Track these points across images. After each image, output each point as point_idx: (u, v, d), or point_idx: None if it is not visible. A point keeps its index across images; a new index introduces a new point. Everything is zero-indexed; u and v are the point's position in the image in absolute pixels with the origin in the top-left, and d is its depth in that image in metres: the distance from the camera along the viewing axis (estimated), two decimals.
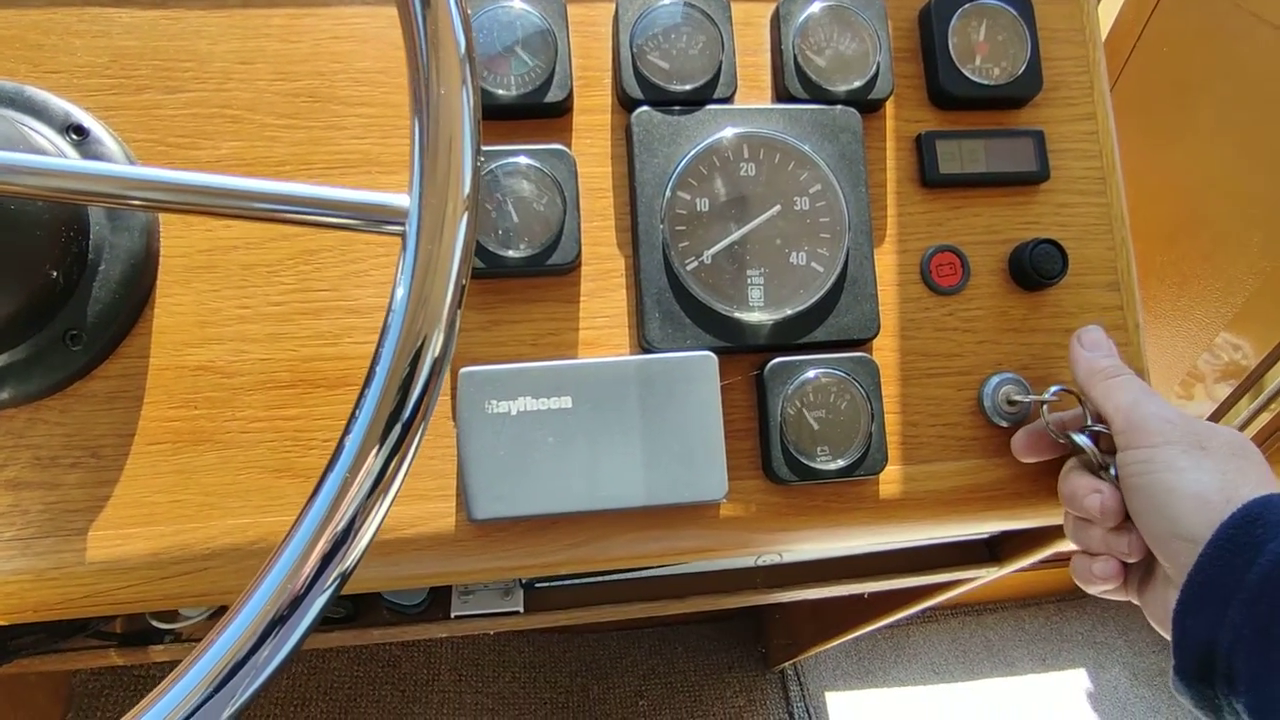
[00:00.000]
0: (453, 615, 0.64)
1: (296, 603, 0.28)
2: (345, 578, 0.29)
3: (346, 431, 0.29)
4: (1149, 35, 1.02)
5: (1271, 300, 0.93)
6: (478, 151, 0.31)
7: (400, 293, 0.29)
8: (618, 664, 1.43)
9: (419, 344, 0.29)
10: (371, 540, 0.29)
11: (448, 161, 0.29)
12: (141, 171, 0.29)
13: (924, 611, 0.93)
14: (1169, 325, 1.10)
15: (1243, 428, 1.00)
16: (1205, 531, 0.35)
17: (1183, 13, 0.96)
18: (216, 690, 0.26)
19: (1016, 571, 0.67)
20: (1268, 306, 0.94)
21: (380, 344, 0.29)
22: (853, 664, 1.50)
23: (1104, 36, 1.07)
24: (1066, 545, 0.57)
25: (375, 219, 0.30)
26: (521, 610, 0.64)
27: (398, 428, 0.28)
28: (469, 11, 0.34)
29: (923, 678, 1.51)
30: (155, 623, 0.62)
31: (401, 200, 0.30)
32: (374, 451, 0.28)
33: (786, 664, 1.43)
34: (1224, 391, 1.03)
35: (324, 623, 0.66)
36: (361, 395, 0.29)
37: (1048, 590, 1.58)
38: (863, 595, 0.70)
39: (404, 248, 0.29)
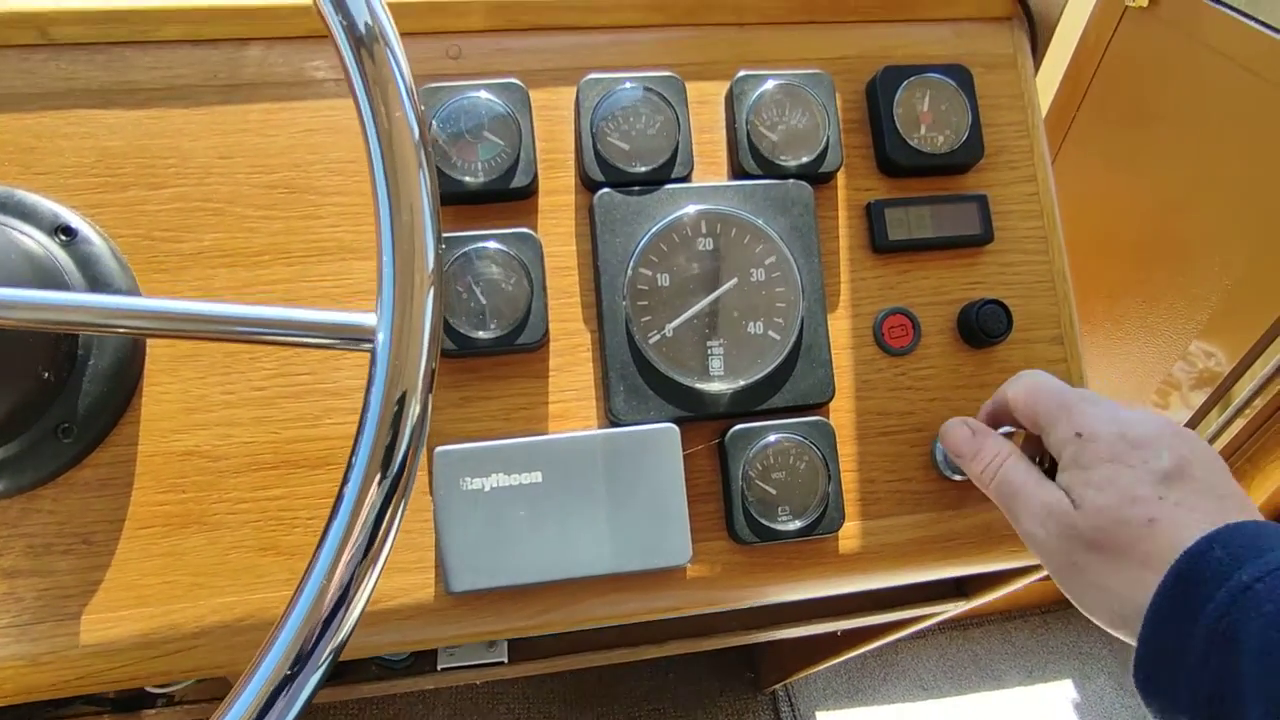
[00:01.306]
0: (439, 668, 0.66)
1: (289, 681, 0.30)
2: (338, 653, 0.31)
3: (322, 542, 0.31)
4: (1108, 64, 1.05)
5: (1234, 316, 0.96)
6: (439, 243, 0.33)
7: (373, 401, 0.31)
8: (610, 691, 1.44)
9: (388, 457, 0.31)
10: (357, 622, 0.31)
11: (410, 290, 0.31)
12: (119, 302, 0.31)
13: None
14: (1139, 341, 1.13)
15: (1213, 439, 1.03)
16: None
17: (1139, 44, 0.99)
18: None
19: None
20: (1230, 321, 0.97)
21: (354, 451, 0.31)
22: (842, 683, 1.52)
23: (1062, 71, 1.11)
24: (1029, 579, 0.60)
25: (346, 338, 0.32)
26: (506, 660, 0.66)
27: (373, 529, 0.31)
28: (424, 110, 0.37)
29: (912, 694, 1.53)
30: (148, 687, 0.63)
31: (368, 319, 0.32)
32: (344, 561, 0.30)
33: (777, 686, 1.45)
34: (1198, 398, 1.06)
35: None
36: (341, 490, 0.31)
37: (1033, 602, 1.60)
38: (836, 632, 0.73)
39: (373, 363, 0.32)
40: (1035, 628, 1.61)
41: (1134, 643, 0.35)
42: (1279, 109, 0.82)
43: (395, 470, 0.31)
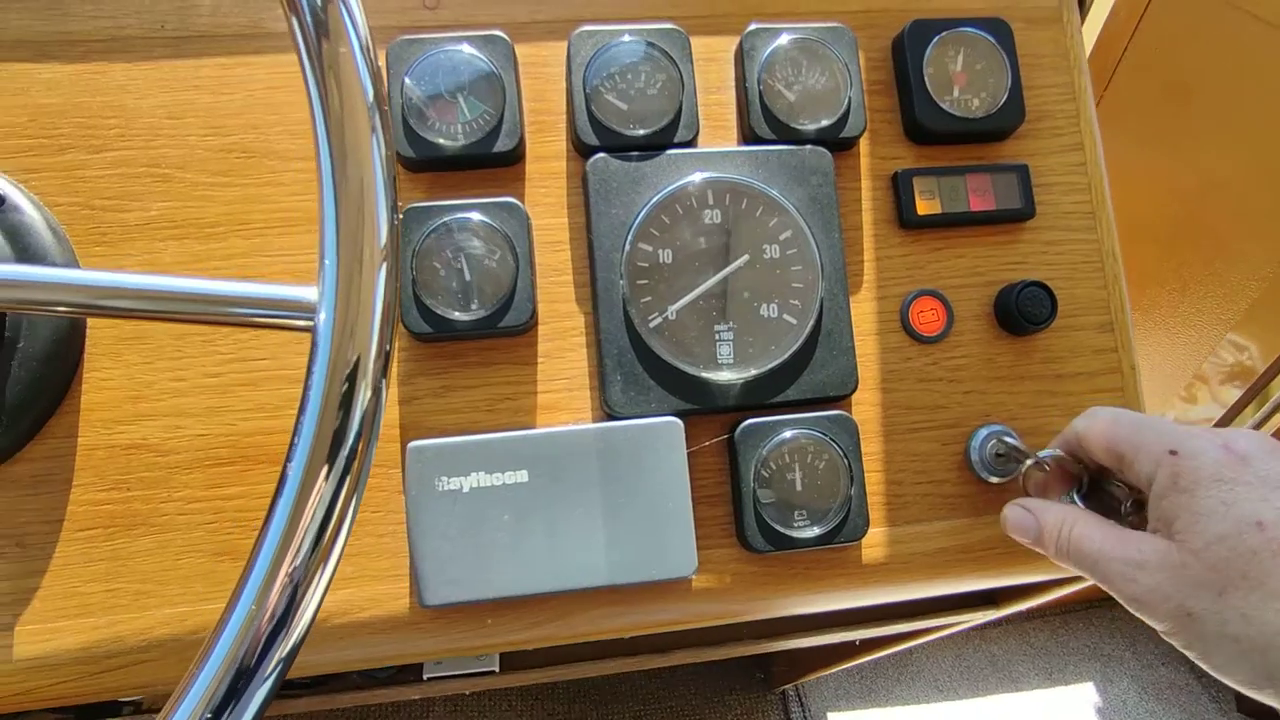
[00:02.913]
0: (425, 678, 0.61)
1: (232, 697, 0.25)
2: (288, 663, 0.26)
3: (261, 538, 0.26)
4: (1141, 36, 0.99)
5: (1274, 308, 0.91)
6: (393, 214, 0.28)
7: (314, 384, 0.27)
8: (617, 690, 1.40)
9: (336, 437, 0.26)
10: (309, 628, 0.26)
11: (358, 265, 0.26)
12: (20, 272, 0.27)
13: None
14: (1170, 333, 1.07)
15: None
16: None
17: (1175, 13, 0.93)
18: None
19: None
20: (1270, 314, 0.91)
21: (294, 436, 0.26)
22: (855, 683, 1.47)
23: (1093, 41, 1.04)
24: (1064, 590, 0.54)
25: (282, 313, 0.27)
26: (497, 670, 0.61)
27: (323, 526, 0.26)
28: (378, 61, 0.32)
29: (927, 695, 1.48)
30: (117, 696, 0.59)
31: (308, 294, 0.27)
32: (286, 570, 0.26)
33: (788, 686, 1.40)
34: (1231, 395, 1.01)
35: (288, 687, 0.63)
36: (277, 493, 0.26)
37: (1053, 603, 1.55)
38: (854, 642, 0.68)
39: (314, 343, 0.27)
40: (1055, 628, 1.56)
41: None
42: None
43: (345, 459, 0.26)
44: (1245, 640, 0.30)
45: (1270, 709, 0.26)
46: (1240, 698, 1.38)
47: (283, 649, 0.26)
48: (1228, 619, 0.31)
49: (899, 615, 0.63)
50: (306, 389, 0.27)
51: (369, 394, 0.27)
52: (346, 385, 0.27)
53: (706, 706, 1.41)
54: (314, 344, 0.27)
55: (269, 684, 0.26)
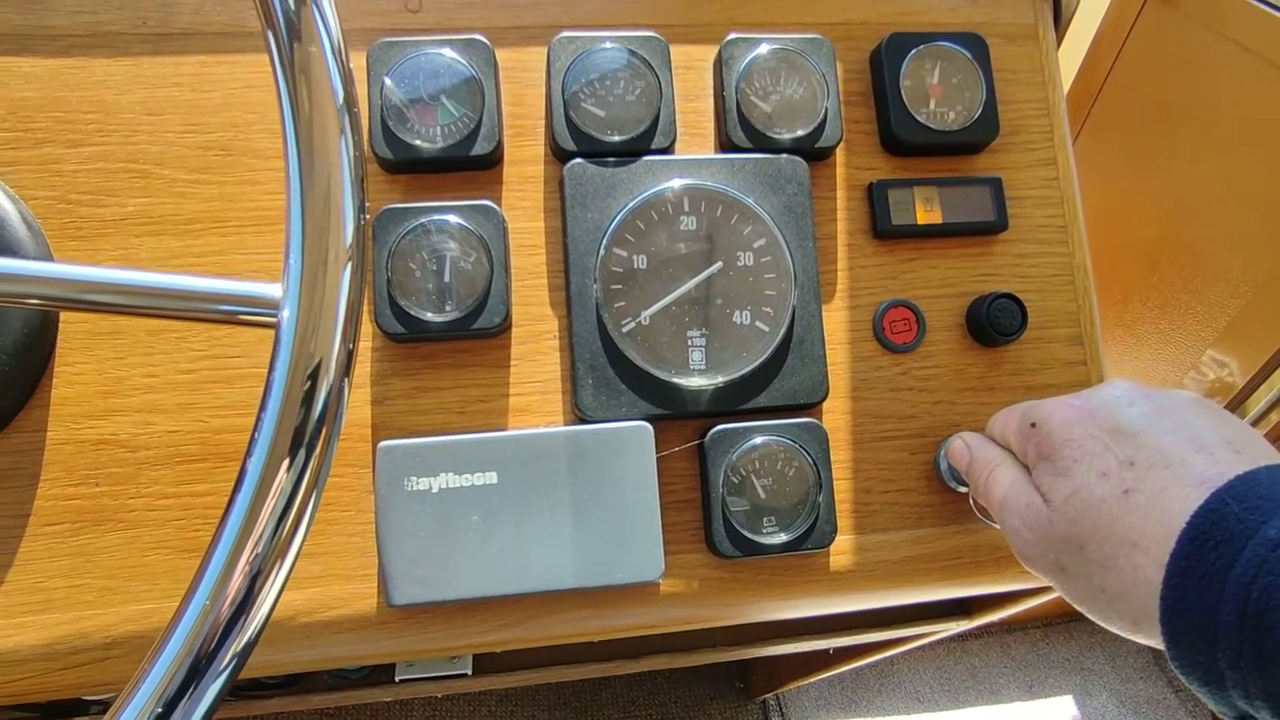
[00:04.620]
0: (397, 679, 0.61)
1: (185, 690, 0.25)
2: (243, 657, 0.26)
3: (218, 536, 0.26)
4: (1126, 56, 1.01)
5: (1252, 325, 0.92)
6: (360, 214, 0.28)
7: (276, 379, 0.27)
8: (596, 697, 1.40)
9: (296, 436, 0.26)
10: (266, 621, 0.26)
11: (323, 264, 0.26)
12: None
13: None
14: (1151, 347, 1.08)
15: None
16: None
17: (1159, 36, 0.95)
18: None
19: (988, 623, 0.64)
20: (1248, 332, 0.93)
21: (255, 429, 0.27)
22: (836, 694, 1.47)
23: (1079, 62, 1.06)
24: (1036, 601, 0.55)
25: (246, 309, 0.27)
26: (470, 673, 0.61)
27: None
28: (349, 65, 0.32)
29: (907, 707, 1.48)
30: (81, 694, 0.58)
31: (272, 290, 0.27)
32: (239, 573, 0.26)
33: (768, 695, 1.40)
34: None
35: (259, 688, 0.63)
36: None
37: (1033, 615, 1.55)
38: (828, 650, 0.68)
39: (277, 340, 0.27)
40: (1035, 641, 1.56)
41: (1161, 645, 0.29)
42: None
43: (305, 454, 0.26)
44: (1110, 589, 0.31)
45: None
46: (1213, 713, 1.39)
47: (238, 643, 0.26)
48: (1091, 572, 0.31)
49: (871, 624, 0.64)
50: (269, 384, 0.27)
51: (331, 390, 0.27)
52: (309, 382, 0.27)
53: (687, 715, 1.40)
54: (277, 340, 0.27)
55: (223, 678, 0.26)
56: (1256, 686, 0.25)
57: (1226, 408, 1.01)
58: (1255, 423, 0.96)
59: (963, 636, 1.56)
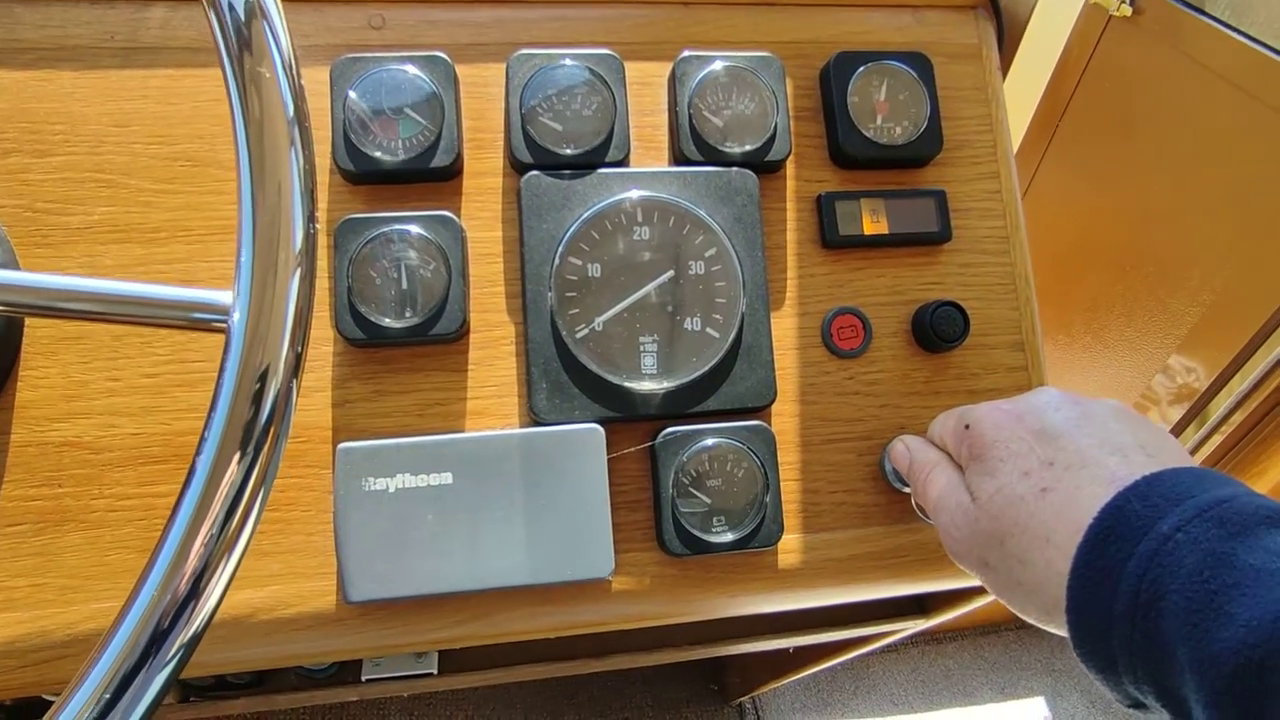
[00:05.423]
0: (363, 679, 0.62)
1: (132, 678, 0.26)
2: (189, 648, 0.28)
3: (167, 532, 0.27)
4: (1091, 74, 1.04)
5: (1213, 331, 0.94)
6: (310, 223, 0.30)
7: (226, 379, 0.28)
8: (571, 700, 1.40)
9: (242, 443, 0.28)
10: (213, 613, 0.27)
11: (273, 271, 0.28)
12: None
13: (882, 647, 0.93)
14: (1118, 354, 1.11)
15: (1191, 454, 1.01)
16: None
17: (1122, 55, 0.98)
18: None
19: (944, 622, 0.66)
20: (1209, 338, 0.95)
21: (205, 428, 0.28)
22: (812, 696, 1.49)
23: (1047, 79, 1.09)
24: (988, 598, 0.57)
25: (198, 315, 0.29)
26: (435, 672, 0.62)
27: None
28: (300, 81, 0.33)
29: (882, 709, 1.50)
30: (45, 695, 0.59)
31: (223, 297, 0.28)
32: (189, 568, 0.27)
33: (744, 698, 1.41)
34: (1176, 414, 1.04)
35: (225, 688, 0.64)
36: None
37: (1006, 618, 1.58)
38: (788, 650, 0.69)
39: (227, 343, 0.28)
40: (1009, 643, 1.58)
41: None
42: (1261, 122, 0.80)
43: (252, 454, 0.28)
44: (1026, 582, 0.32)
45: None
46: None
47: (185, 633, 0.27)
48: (1011, 565, 0.33)
49: (828, 623, 0.65)
50: (219, 385, 0.28)
51: (279, 390, 0.28)
52: (258, 383, 0.28)
53: (662, 718, 1.41)
54: (227, 343, 0.28)
55: (170, 667, 0.27)
56: (1144, 672, 0.27)
57: (1188, 413, 1.04)
58: (1218, 425, 0.99)
59: (937, 639, 1.58)
